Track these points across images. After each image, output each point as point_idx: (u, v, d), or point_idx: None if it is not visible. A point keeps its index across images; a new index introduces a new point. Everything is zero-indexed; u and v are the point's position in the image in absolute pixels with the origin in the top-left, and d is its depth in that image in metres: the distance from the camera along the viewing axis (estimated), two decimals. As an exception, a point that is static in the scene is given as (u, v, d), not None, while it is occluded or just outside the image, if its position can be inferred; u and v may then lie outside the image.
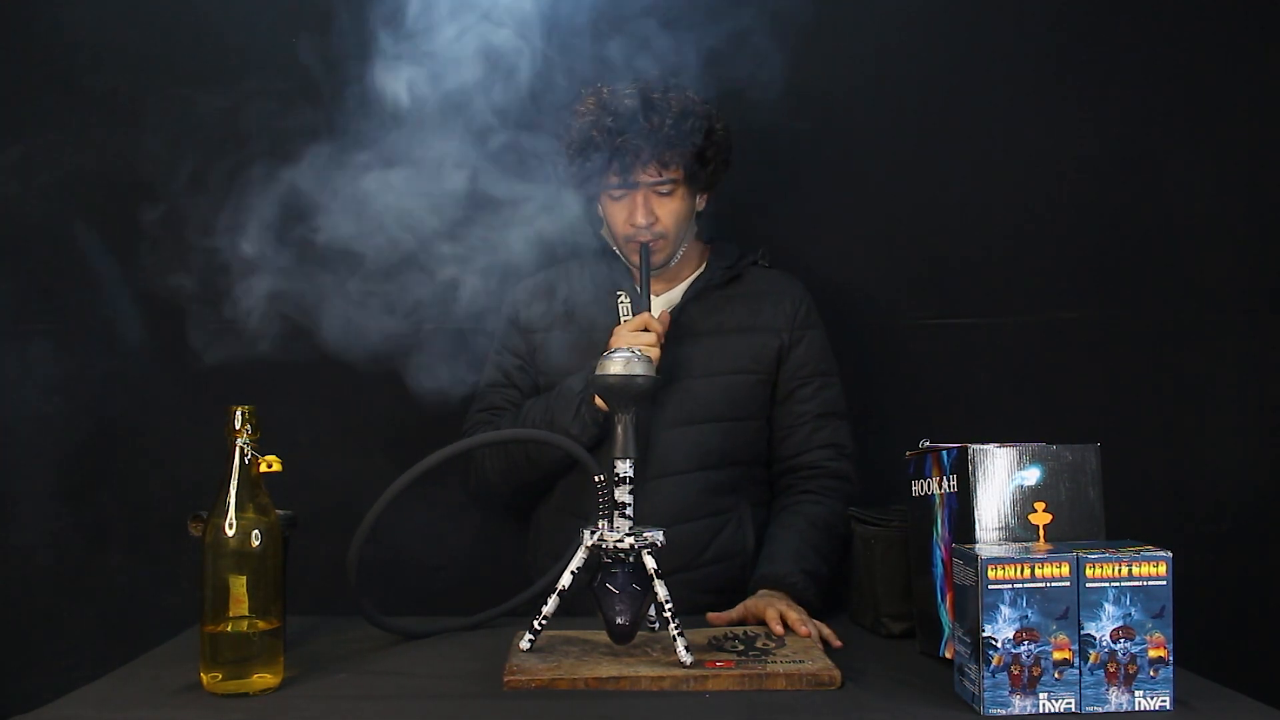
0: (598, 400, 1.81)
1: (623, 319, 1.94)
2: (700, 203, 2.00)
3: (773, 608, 1.66)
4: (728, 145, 1.96)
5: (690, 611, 1.74)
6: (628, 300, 1.97)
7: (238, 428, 1.38)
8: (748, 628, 1.65)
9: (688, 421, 1.92)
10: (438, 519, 2.20)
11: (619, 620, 1.47)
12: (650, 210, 1.89)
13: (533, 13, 1.84)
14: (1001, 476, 1.43)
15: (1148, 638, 1.29)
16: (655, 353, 1.82)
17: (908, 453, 1.60)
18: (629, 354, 1.51)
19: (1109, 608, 1.29)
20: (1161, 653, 1.30)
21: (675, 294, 2.01)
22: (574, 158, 1.90)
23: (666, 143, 1.86)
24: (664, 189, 1.90)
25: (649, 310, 1.89)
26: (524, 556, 2.08)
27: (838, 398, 2.02)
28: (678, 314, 1.96)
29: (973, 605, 1.31)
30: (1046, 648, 1.29)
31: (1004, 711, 1.29)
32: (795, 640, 1.58)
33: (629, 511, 1.50)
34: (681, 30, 1.91)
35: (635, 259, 1.94)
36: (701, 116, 1.89)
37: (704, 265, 2.03)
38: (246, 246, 1.79)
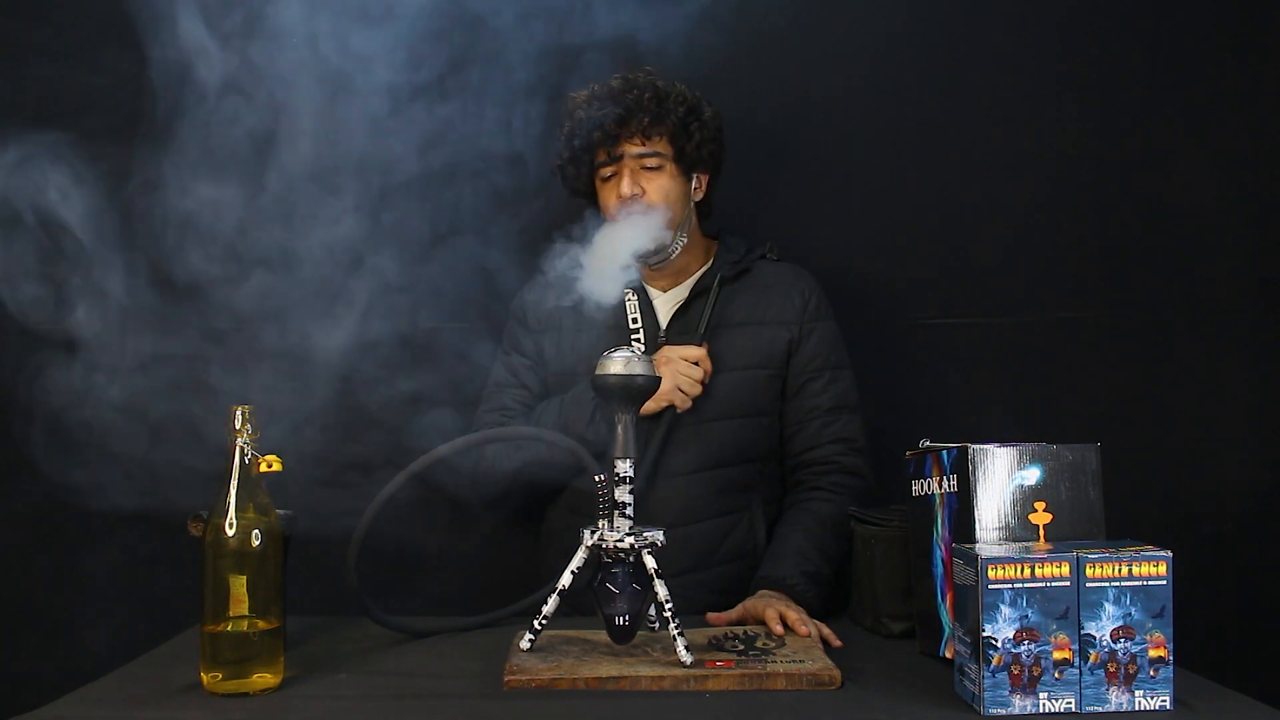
0: None
1: (629, 316, 1.94)
2: (698, 190, 1.99)
3: (772, 608, 1.66)
4: (717, 126, 1.96)
5: (703, 611, 1.74)
6: (635, 298, 1.96)
7: (238, 427, 1.38)
8: (748, 627, 1.65)
9: (699, 420, 1.91)
10: (438, 517, 2.21)
11: (619, 620, 1.47)
12: (636, 182, 1.90)
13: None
14: (1001, 476, 1.43)
15: (1148, 637, 1.29)
16: (697, 390, 1.86)
17: (908, 453, 1.60)
18: (629, 353, 1.50)
19: (1109, 607, 1.29)
20: (1161, 652, 1.30)
21: (682, 290, 2.00)
22: (566, 147, 1.92)
23: (646, 112, 1.88)
24: (650, 163, 1.90)
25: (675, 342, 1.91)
26: (534, 556, 2.07)
27: (849, 390, 2.01)
28: (683, 310, 1.97)
29: (973, 605, 1.31)
30: (1046, 647, 1.29)
31: (1004, 711, 1.29)
32: (795, 640, 1.57)
33: (629, 511, 1.50)
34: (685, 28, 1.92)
35: None
36: (686, 97, 1.92)
37: (711, 260, 2.03)
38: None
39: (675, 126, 1.90)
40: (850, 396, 2.00)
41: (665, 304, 1.99)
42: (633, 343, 1.94)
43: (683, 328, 1.94)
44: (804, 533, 1.86)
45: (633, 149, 1.90)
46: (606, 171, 1.93)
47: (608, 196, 1.94)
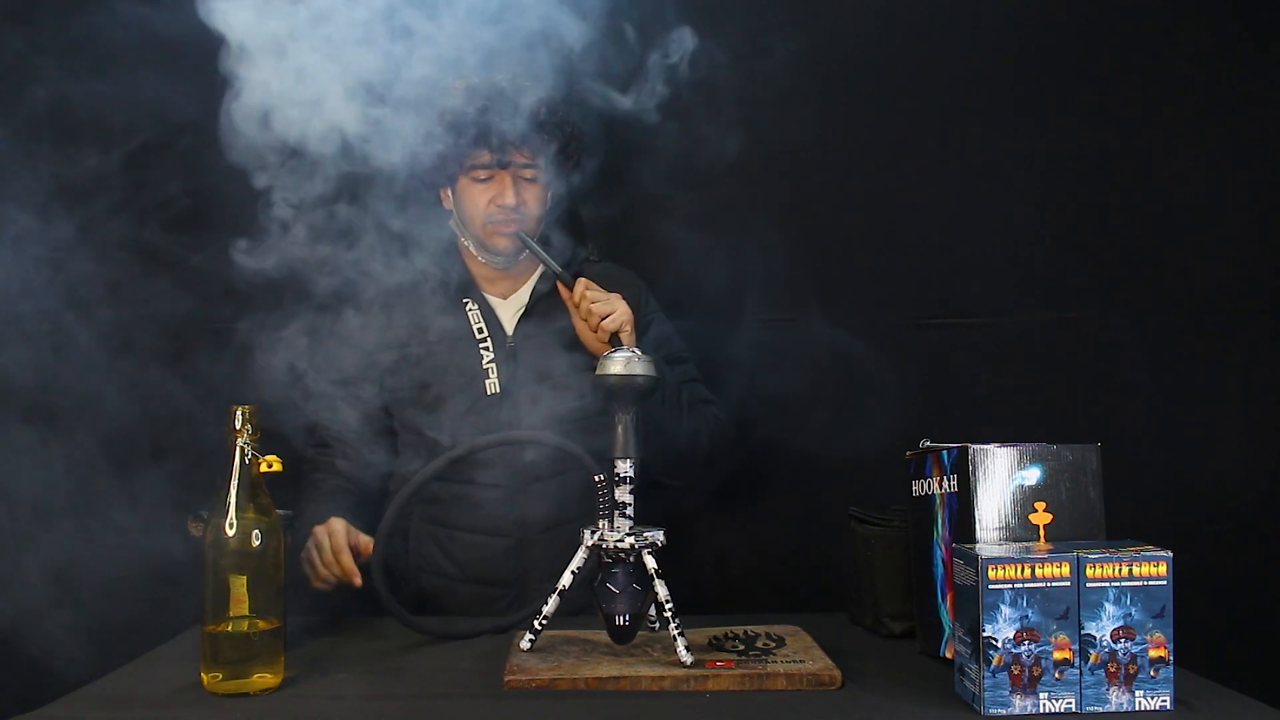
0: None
1: (474, 326, 1.96)
2: (547, 199, 2.00)
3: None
4: (584, 148, 1.98)
5: (582, 611, 1.73)
6: (475, 307, 1.98)
7: (238, 428, 1.38)
8: (748, 628, 1.65)
9: (549, 425, 1.87)
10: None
11: (619, 620, 1.47)
12: (519, 193, 1.91)
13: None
14: (1002, 476, 1.43)
15: (1148, 638, 1.29)
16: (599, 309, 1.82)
17: (908, 453, 1.60)
18: (629, 354, 1.51)
19: (1109, 608, 1.29)
20: (1162, 653, 1.30)
21: (523, 294, 2.02)
22: (443, 136, 1.87)
23: (539, 128, 1.88)
24: (528, 175, 1.92)
25: (570, 284, 1.87)
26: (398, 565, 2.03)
27: (697, 383, 2.02)
28: (527, 315, 1.98)
29: (973, 605, 1.31)
30: (1047, 647, 1.29)
31: (1004, 711, 1.29)
32: (795, 640, 1.57)
33: (629, 511, 1.50)
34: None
35: (495, 242, 1.94)
36: (567, 117, 1.93)
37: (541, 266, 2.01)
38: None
39: (560, 147, 1.93)
40: (698, 388, 2.01)
41: (508, 310, 2.00)
42: (481, 352, 1.95)
43: (530, 332, 1.96)
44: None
45: (519, 160, 1.91)
46: (482, 174, 1.92)
47: (478, 197, 1.93)
